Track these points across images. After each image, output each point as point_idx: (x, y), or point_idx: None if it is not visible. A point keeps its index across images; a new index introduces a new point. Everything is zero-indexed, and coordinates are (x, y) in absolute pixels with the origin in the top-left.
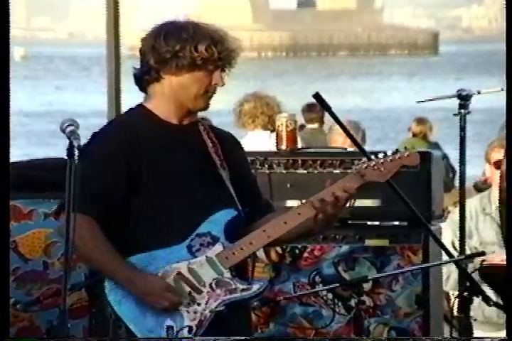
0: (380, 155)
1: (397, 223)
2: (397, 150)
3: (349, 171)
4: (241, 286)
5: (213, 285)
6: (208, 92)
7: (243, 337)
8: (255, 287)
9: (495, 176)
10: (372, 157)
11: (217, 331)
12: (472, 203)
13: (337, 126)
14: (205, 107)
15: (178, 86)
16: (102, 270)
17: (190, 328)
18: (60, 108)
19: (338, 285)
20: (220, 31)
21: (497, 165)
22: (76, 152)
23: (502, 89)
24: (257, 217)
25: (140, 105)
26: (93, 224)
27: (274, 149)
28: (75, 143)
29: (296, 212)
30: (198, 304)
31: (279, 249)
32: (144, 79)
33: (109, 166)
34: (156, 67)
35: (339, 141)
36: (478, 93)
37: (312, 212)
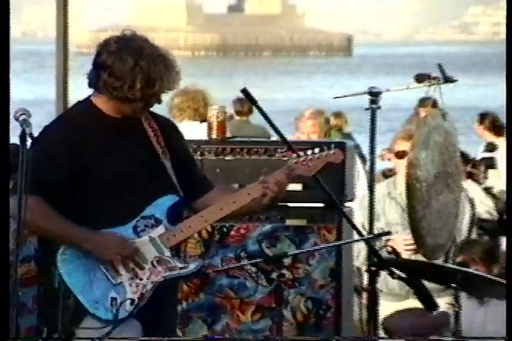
0: (309, 152)
1: (314, 205)
2: (323, 149)
3: (273, 158)
4: (179, 264)
5: (155, 263)
6: (131, 114)
7: (242, 337)
8: (192, 266)
9: (398, 165)
10: (302, 153)
11: (156, 301)
12: (379, 188)
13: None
14: (142, 110)
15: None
16: (56, 236)
17: (133, 300)
18: (13, 98)
19: (261, 260)
20: (166, 66)
21: (399, 155)
22: (28, 139)
23: (407, 88)
24: (199, 195)
25: (87, 99)
26: (42, 202)
27: (205, 138)
28: (27, 131)
29: (231, 200)
30: (140, 279)
31: (209, 227)
32: (92, 78)
33: (53, 160)
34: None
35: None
36: (387, 90)
37: (245, 201)
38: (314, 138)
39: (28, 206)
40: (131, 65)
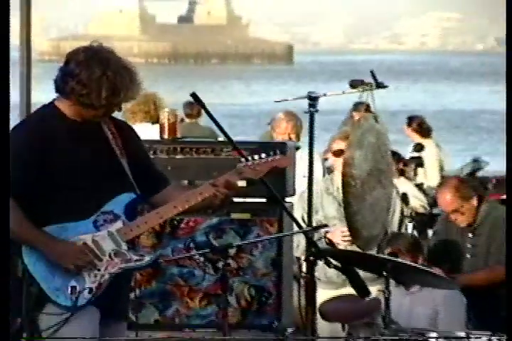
0: (256, 157)
1: (257, 200)
2: (270, 154)
3: (220, 157)
4: (135, 257)
5: (112, 255)
6: (91, 118)
7: (242, 337)
8: (147, 258)
9: (335, 163)
10: (250, 158)
11: (113, 289)
12: (318, 184)
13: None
14: (103, 116)
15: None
16: (23, 239)
17: (91, 289)
18: None
19: (208, 250)
20: (127, 80)
21: (336, 154)
22: None
23: (343, 92)
24: (157, 190)
25: (51, 103)
26: (13, 204)
27: (157, 138)
28: None
29: (185, 199)
30: (98, 269)
31: None
32: (60, 84)
33: (19, 161)
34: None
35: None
36: (324, 95)
37: (197, 200)
38: (293, 138)
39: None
40: (99, 74)
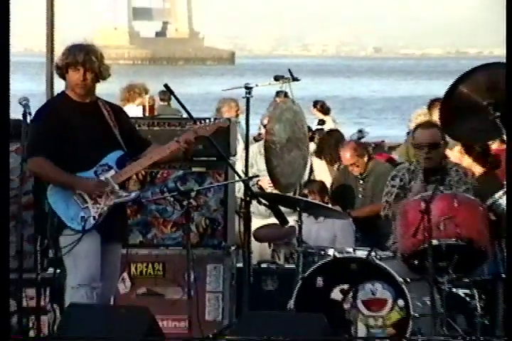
0: (206, 121)
1: (210, 159)
2: (216, 119)
3: (185, 128)
4: (124, 194)
5: (109, 193)
6: (79, 84)
7: (244, 337)
8: (133, 194)
9: (264, 133)
10: (202, 121)
11: (110, 218)
12: (253, 148)
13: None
14: (84, 94)
15: (68, 80)
16: (58, 181)
17: (94, 217)
18: (20, 91)
19: (176, 193)
20: (91, 50)
21: (265, 127)
22: (28, 117)
23: (269, 84)
24: (142, 150)
25: (63, 91)
26: (46, 160)
27: (141, 115)
28: (28, 111)
29: (157, 152)
30: (99, 203)
31: (143, 172)
32: (60, 74)
33: (45, 129)
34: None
35: None
36: (256, 85)
37: (166, 153)
38: (234, 116)
39: (39, 164)
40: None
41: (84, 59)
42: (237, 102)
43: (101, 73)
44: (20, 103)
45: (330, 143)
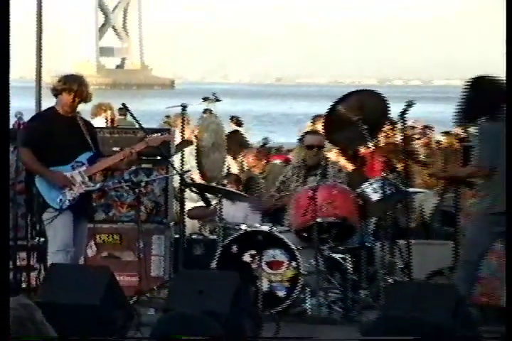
0: (155, 134)
1: (157, 158)
2: (162, 133)
3: (137, 136)
4: (92, 184)
5: (80, 183)
6: (68, 105)
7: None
8: (98, 185)
9: (195, 139)
10: (154, 134)
11: (81, 201)
12: (187, 150)
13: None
14: (70, 111)
15: (60, 100)
16: (37, 172)
17: (69, 200)
18: (17, 108)
19: (130, 183)
20: (82, 81)
21: (196, 136)
22: (21, 126)
23: (200, 103)
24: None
25: (52, 107)
26: (30, 151)
27: (104, 126)
28: (21, 122)
29: (113, 157)
30: (73, 190)
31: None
32: (55, 94)
33: (33, 134)
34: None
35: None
36: (190, 105)
37: (120, 158)
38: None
39: (25, 153)
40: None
41: (77, 88)
42: (110, 106)
43: (85, 98)
44: (15, 116)
45: (232, 142)
